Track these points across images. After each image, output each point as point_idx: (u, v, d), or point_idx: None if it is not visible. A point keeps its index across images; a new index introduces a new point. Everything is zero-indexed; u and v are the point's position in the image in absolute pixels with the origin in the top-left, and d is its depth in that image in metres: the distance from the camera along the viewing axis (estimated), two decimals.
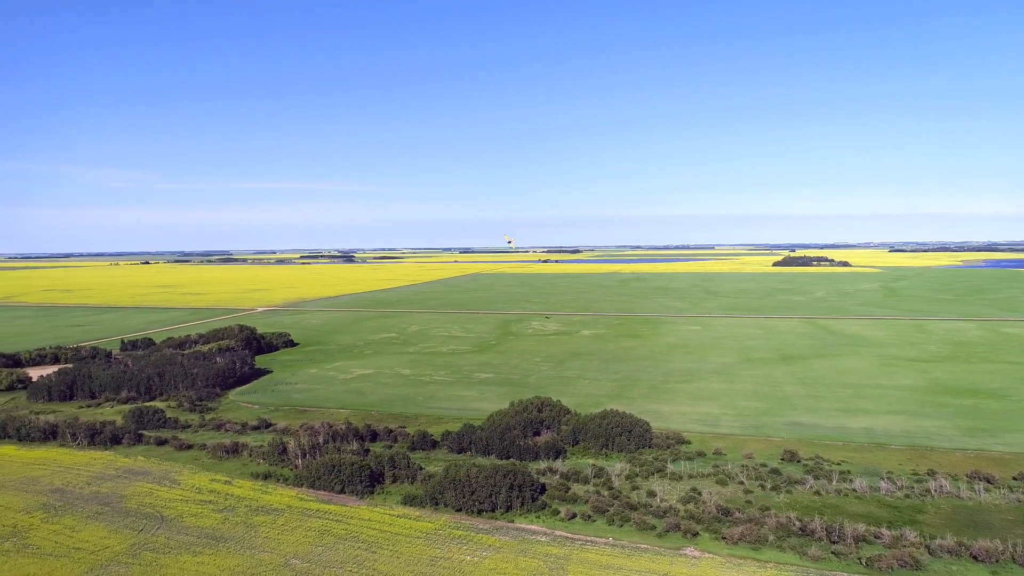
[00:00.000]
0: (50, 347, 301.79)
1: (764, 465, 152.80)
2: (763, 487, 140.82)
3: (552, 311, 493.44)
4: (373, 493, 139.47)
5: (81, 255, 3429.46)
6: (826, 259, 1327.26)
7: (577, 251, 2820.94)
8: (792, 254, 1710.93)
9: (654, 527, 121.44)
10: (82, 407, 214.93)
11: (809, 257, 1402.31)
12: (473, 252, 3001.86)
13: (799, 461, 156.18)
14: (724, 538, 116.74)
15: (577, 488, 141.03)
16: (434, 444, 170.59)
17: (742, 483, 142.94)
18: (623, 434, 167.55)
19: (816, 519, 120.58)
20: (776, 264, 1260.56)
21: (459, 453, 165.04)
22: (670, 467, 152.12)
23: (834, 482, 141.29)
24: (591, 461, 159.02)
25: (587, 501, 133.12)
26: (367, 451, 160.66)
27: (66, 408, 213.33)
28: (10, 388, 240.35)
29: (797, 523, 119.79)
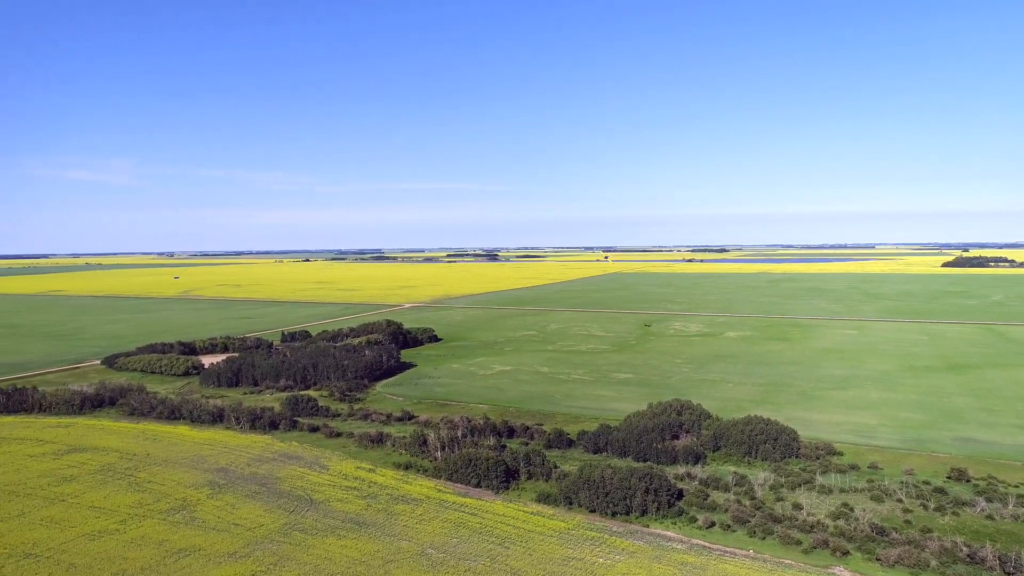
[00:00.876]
0: (221, 337, 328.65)
1: (927, 483, 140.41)
2: (925, 507, 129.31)
3: (695, 311, 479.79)
4: (508, 489, 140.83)
5: (251, 253, 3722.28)
6: (1005, 260, 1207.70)
7: (724, 250, 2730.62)
8: (965, 254, 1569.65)
9: (799, 542, 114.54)
10: (246, 393, 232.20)
11: (985, 258, 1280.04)
12: (615, 251, 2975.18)
13: (968, 481, 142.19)
14: (878, 559, 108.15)
15: (716, 496, 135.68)
16: (570, 443, 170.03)
17: (900, 501, 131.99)
18: (768, 442, 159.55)
19: (988, 546, 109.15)
20: (946, 265, 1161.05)
21: (595, 453, 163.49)
22: (819, 479, 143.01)
23: (1010, 506, 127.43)
24: (732, 468, 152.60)
25: (727, 510, 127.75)
26: (503, 447, 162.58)
27: (232, 393, 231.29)
28: (186, 374, 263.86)
29: (964, 549, 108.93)
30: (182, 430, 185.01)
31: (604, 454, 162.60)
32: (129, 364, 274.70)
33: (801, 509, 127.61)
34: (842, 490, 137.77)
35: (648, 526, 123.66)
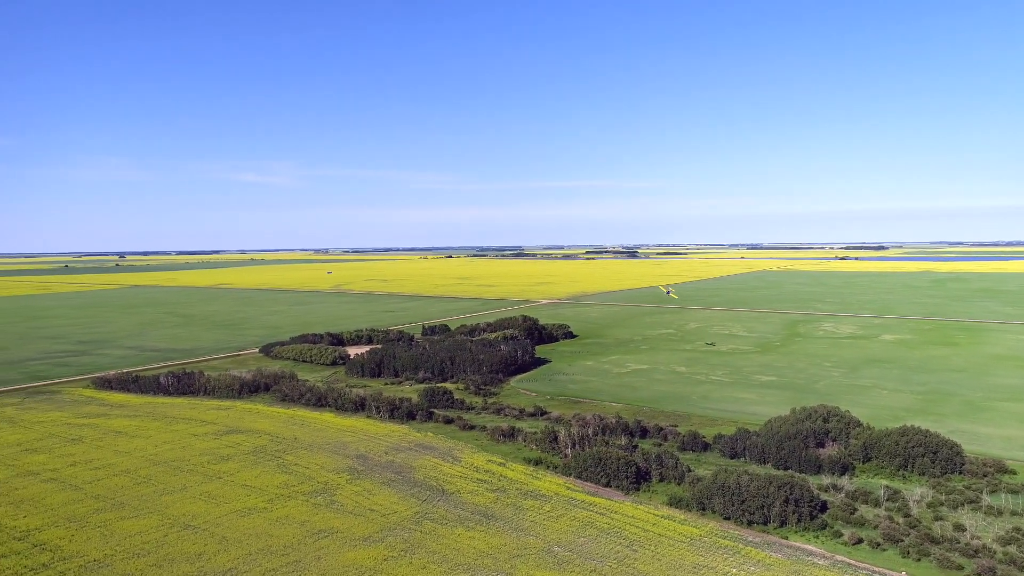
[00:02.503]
0: (366, 329, 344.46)
1: None
2: None
3: (848, 312, 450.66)
4: (638, 490, 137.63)
5: (398, 249, 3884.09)
6: None
7: (882, 247, 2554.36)
8: None
9: (961, 567, 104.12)
10: (386, 383, 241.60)
11: None
12: (762, 248, 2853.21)
13: None
14: None
15: (865, 510, 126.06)
16: (705, 446, 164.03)
17: None
18: (926, 455, 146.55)
19: None
20: None
21: (731, 458, 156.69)
22: (986, 499, 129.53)
23: None
24: (884, 482, 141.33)
25: (876, 526, 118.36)
26: (635, 447, 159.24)
27: (374, 383, 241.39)
28: (333, 363, 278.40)
29: None
30: (327, 417, 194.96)
31: (741, 459, 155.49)
32: (283, 353, 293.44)
33: (964, 531, 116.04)
34: (1014, 513, 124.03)
35: (787, 538, 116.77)
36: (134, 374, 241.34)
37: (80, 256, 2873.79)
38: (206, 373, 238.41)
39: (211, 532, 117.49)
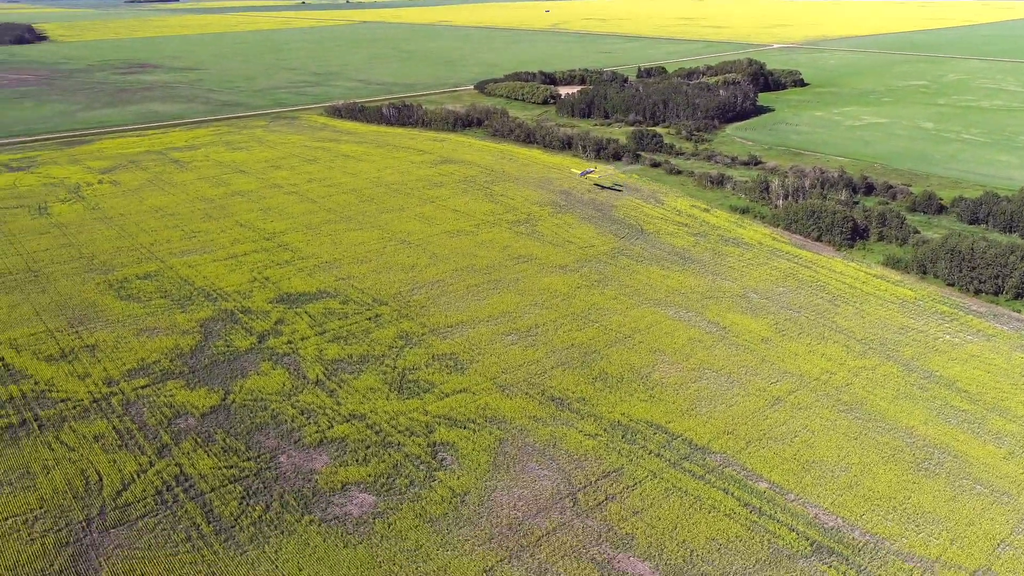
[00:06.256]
0: (579, 69, 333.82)
1: None
2: None
3: None
4: (852, 247, 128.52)
5: None
6: None
7: None
8: None
9: None
10: (595, 125, 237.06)
11: None
12: None
13: None
14: None
15: None
16: (940, 209, 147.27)
17: None
18: None
19: None
20: None
21: (970, 224, 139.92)
22: None
23: None
24: None
25: None
26: (855, 203, 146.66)
27: (582, 124, 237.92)
28: (544, 102, 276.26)
29: None
30: (535, 153, 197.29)
31: (982, 226, 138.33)
32: (496, 90, 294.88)
33: None
34: None
35: (1021, 311, 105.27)
36: (361, 104, 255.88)
37: None
38: (424, 106, 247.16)
39: (423, 248, 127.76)
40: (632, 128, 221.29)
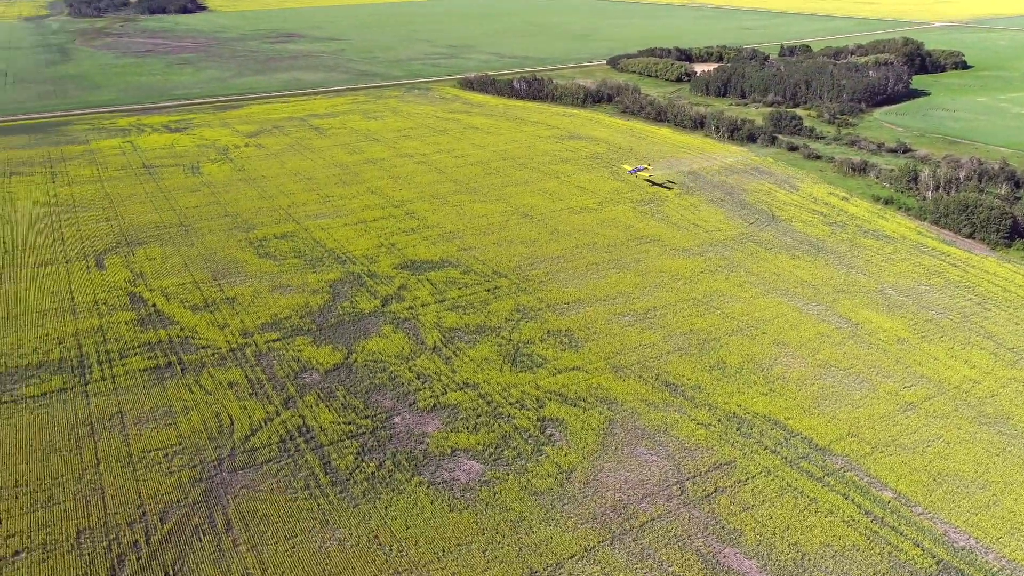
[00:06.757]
0: (717, 46, 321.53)
1: None
2: None
3: None
4: (1010, 247, 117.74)
5: None
6: None
7: None
8: None
9: None
10: (730, 104, 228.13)
11: None
12: None
13: None
14: None
15: None
16: None
17: None
18: None
19: None
20: None
21: None
22: None
23: None
24: None
25: None
26: (1017, 199, 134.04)
27: (717, 103, 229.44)
28: (678, 80, 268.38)
29: None
30: (664, 132, 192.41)
31: None
32: (629, 66, 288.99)
33: None
34: None
35: None
36: (492, 77, 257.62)
37: None
38: (554, 81, 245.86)
39: (545, 223, 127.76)
40: (770, 109, 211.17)
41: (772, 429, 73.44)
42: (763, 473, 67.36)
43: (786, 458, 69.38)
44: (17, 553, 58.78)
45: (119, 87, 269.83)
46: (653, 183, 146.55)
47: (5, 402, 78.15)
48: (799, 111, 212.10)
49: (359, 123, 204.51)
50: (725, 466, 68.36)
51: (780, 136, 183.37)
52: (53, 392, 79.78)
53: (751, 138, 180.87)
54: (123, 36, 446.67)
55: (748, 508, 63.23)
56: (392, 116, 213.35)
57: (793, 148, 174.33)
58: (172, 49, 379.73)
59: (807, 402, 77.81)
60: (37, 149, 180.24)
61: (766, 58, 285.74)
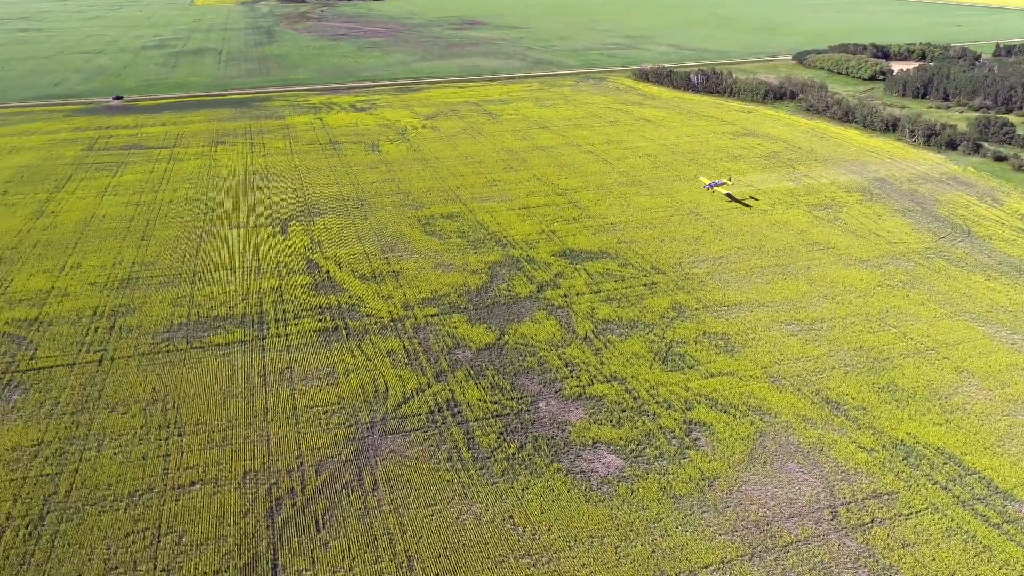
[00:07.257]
0: (919, 43, 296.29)
1: None
2: None
3: None
4: None
5: None
6: None
7: None
8: None
9: None
10: (930, 107, 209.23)
11: None
12: None
13: None
14: None
15: None
16: None
17: None
18: None
19: None
20: None
21: None
22: None
23: None
24: None
25: None
26: None
27: (914, 105, 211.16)
28: (872, 78, 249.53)
29: None
30: (851, 133, 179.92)
31: None
32: (817, 62, 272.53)
33: None
34: None
35: None
36: (669, 69, 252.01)
37: None
38: (734, 75, 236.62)
39: (710, 221, 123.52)
40: (976, 114, 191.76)
41: (945, 463, 66.98)
42: (929, 509, 61.62)
43: (959, 497, 63.05)
44: (193, 484, 65.13)
45: (314, 67, 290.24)
46: (732, 198, 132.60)
47: (195, 347, 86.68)
48: (1012, 117, 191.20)
49: (531, 110, 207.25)
50: (886, 496, 63.18)
51: (986, 144, 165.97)
52: (235, 343, 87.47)
53: (951, 145, 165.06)
54: (322, 20, 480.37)
55: (908, 545, 58.12)
56: (564, 104, 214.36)
57: (1001, 158, 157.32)
58: (363, 33, 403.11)
59: (990, 439, 70.22)
60: (240, 122, 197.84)
61: (977, 57, 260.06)
